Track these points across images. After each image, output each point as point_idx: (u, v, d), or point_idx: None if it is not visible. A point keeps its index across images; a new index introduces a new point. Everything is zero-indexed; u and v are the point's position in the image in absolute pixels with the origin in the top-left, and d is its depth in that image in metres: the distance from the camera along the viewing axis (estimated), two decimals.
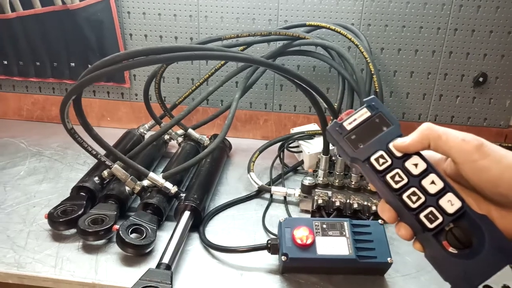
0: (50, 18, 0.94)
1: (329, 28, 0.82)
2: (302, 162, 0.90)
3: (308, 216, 0.74)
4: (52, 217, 0.67)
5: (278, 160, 0.90)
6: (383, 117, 0.40)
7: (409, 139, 0.38)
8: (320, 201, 0.71)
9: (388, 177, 0.38)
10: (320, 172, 0.75)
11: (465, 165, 0.36)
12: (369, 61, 0.76)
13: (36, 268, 0.61)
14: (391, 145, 0.39)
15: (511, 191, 0.35)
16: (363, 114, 0.40)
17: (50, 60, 1.01)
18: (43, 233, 0.68)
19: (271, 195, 0.80)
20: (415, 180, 0.38)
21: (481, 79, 0.92)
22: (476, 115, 0.97)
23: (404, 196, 0.38)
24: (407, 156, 0.39)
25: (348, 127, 0.40)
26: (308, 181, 0.74)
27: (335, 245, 0.59)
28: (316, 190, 0.74)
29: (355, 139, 0.40)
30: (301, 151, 0.90)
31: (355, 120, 0.40)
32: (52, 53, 1.00)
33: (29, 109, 1.09)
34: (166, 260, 0.59)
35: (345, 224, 0.61)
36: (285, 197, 0.79)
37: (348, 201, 0.71)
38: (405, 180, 0.38)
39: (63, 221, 0.66)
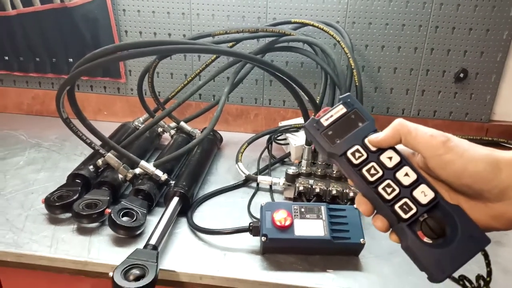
0: (49, 16, 0.99)
1: (312, 25, 0.86)
2: (289, 154, 0.94)
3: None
4: (48, 202, 0.71)
5: (266, 152, 0.94)
6: (358, 113, 0.42)
7: (382, 134, 0.41)
8: (301, 188, 0.75)
9: (364, 170, 0.40)
10: (304, 162, 0.79)
11: (431, 159, 0.39)
12: (349, 56, 0.80)
13: (33, 248, 0.65)
14: (366, 140, 0.41)
15: (474, 182, 0.37)
16: (339, 110, 0.42)
17: (49, 56, 1.05)
18: (40, 217, 0.72)
19: (258, 184, 0.83)
20: (390, 173, 0.40)
21: (462, 75, 0.96)
22: (457, 109, 1.01)
23: (380, 188, 0.40)
24: (381, 150, 0.41)
25: (325, 123, 0.42)
26: (292, 170, 0.78)
27: (311, 227, 0.62)
28: (299, 178, 0.78)
29: (332, 135, 0.42)
30: (288, 143, 0.94)
31: (331, 116, 0.42)
32: (51, 50, 1.04)
33: (29, 104, 1.13)
34: (153, 241, 0.63)
35: (322, 208, 0.65)
36: (270, 186, 0.83)
37: (328, 188, 0.75)
38: (380, 173, 0.40)
39: (59, 205, 0.70)
